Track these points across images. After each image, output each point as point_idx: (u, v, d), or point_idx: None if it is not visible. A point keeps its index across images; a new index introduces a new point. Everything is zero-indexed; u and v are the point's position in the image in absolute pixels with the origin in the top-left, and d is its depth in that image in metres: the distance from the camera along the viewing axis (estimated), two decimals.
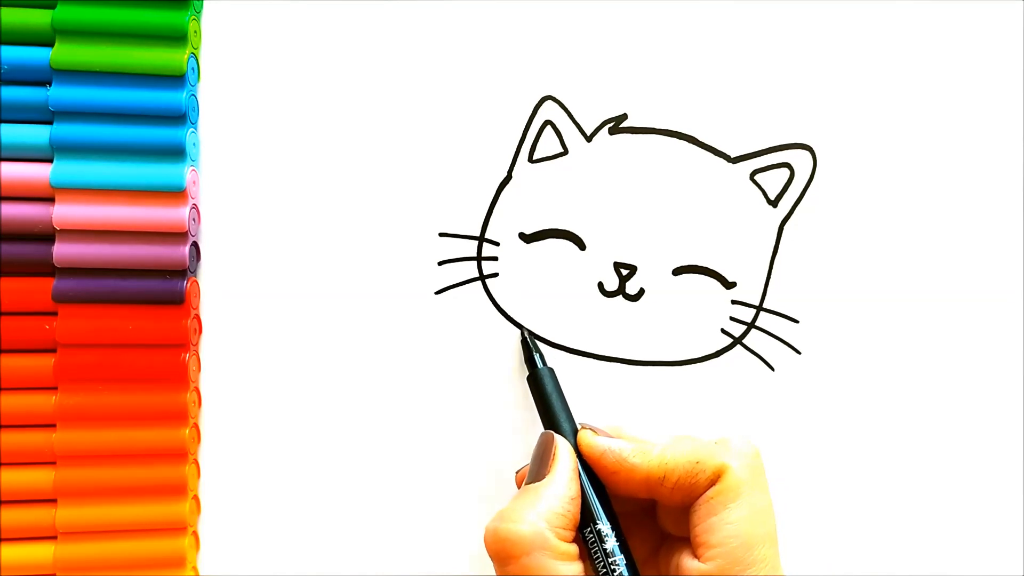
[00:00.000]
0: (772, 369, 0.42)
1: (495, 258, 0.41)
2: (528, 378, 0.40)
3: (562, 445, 0.36)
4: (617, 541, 0.34)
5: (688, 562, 0.34)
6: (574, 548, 0.33)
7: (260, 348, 0.41)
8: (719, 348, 0.42)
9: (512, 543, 0.32)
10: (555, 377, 0.39)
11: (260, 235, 0.41)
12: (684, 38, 0.42)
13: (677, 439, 0.35)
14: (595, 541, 0.34)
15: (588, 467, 0.36)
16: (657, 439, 0.36)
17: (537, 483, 0.35)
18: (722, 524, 0.33)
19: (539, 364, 0.39)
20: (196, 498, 0.41)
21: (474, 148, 0.41)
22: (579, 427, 0.37)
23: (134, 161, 0.38)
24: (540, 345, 0.40)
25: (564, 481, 0.34)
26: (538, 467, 0.35)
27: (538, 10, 0.41)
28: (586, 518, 0.35)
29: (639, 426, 0.42)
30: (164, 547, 0.39)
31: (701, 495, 0.34)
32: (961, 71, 0.42)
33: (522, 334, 0.41)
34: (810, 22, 0.42)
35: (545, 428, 0.38)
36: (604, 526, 0.35)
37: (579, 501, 0.34)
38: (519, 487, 0.37)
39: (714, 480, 0.34)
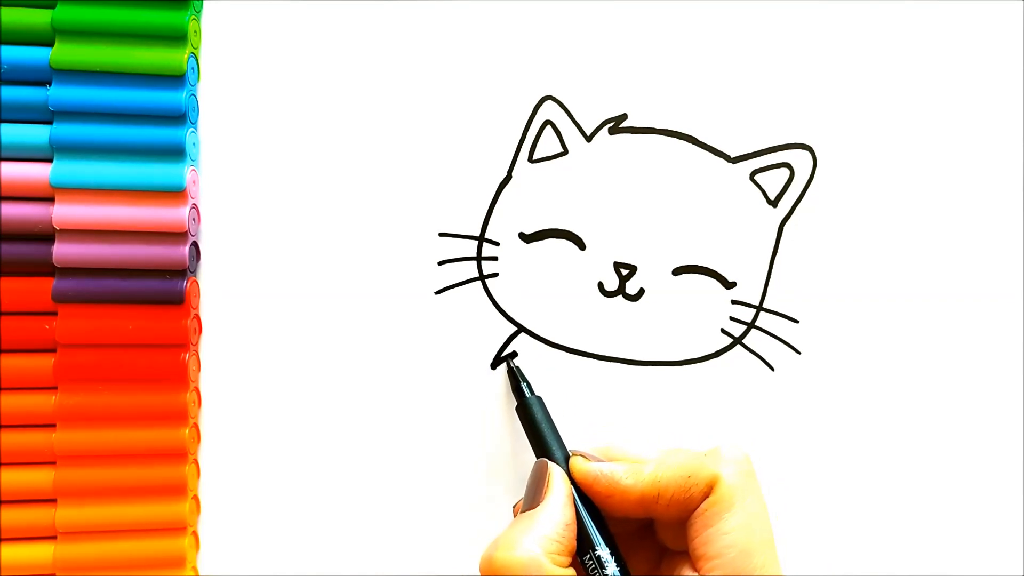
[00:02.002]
0: (772, 369, 0.42)
1: (495, 258, 0.41)
2: (517, 408, 0.40)
3: (556, 472, 0.36)
4: (617, 566, 0.34)
5: (689, 575, 0.34)
6: (570, 573, 0.33)
7: (260, 348, 0.41)
8: (719, 348, 0.42)
9: (507, 570, 0.32)
10: (544, 405, 0.39)
11: (260, 235, 0.41)
12: (684, 38, 0.42)
13: (667, 453, 0.35)
14: (595, 567, 0.34)
15: (583, 493, 0.36)
16: (647, 454, 0.36)
17: (532, 510, 0.35)
18: (719, 535, 0.33)
19: (527, 394, 0.39)
20: (196, 498, 0.41)
21: (474, 148, 0.41)
22: (570, 454, 0.37)
23: (134, 161, 0.38)
24: (527, 374, 0.40)
25: (558, 507, 0.34)
26: (533, 494, 0.35)
27: (538, 10, 0.41)
28: (584, 544, 0.35)
29: (639, 426, 0.42)
30: (164, 547, 0.39)
31: (696, 508, 0.34)
32: (961, 71, 0.42)
33: (508, 365, 0.41)
34: (810, 22, 0.42)
35: (537, 457, 0.37)
36: (603, 551, 0.34)
37: (574, 527, 0.34)
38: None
39: (707, 492, 0.34)
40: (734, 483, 0.34)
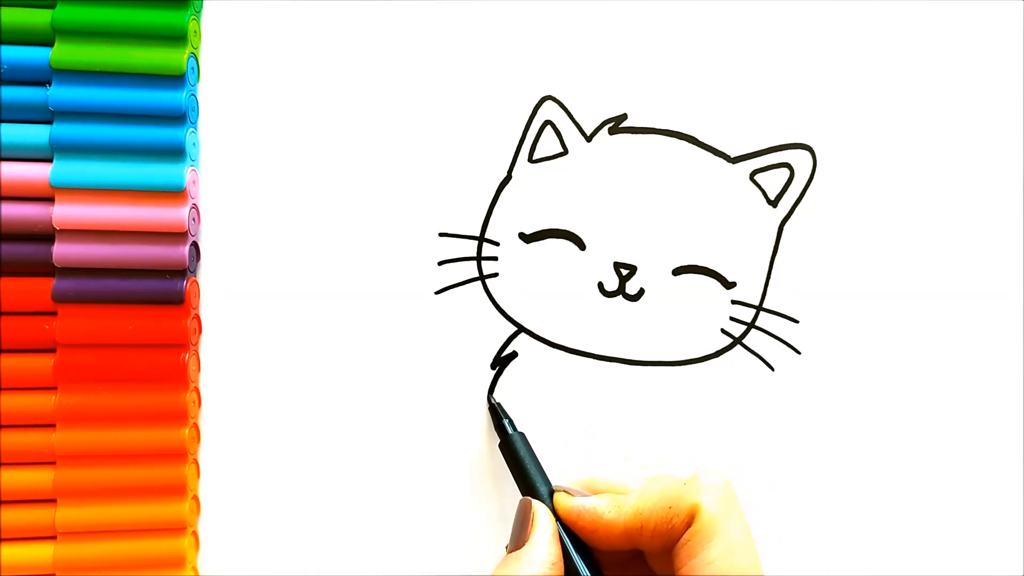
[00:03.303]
0: (772, 369, 0.42)
1: (495, 258, 0.41)
2: (500, 445, 0.40)
3: (540, 510, 0.36)
4: None
5: None
6: None
7: (260, 348, 0.41)
8: (719, 348, 0.42)
9: None
10: (527, 441, 0.39)
11: (260, 235, 0.41)
12: (684, 38, 0.42)
13: (648, 482, 0.35)
14: None
15: (570, 529, 0.36)
16: (630, 484, 0.36)
17: (518, 551, 0.35)
18: (703, 564, 0.33)
19: (509, 430, 0.39)
20: (196, 498, 0.41)
21: (474, 148, 0.41)
22: (554, 489, 0.37)
23: (134, 161, 0.38)
24: (508, 410, 0.40)
25: (544, 545, 0.35)
26: (518, 534, 0.36)
27: (538, 10, 0.41)
28: None
29: (639, 426, 0.42)
30: (164, 547, 0.39)
31: (679, 538, 0.34)
32: (961, 71, 0.42)
33: (489, 402, 0.41)
34: (810, 22, 0.42)
35: (522, 494, 0.38)
36: None
37: (561, 565, 0.35)
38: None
39: (689, 522, 0.34)
40: (715, 511, 0.33)
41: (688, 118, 0.42)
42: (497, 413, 0.40)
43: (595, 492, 0.36)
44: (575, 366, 0.42)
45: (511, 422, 0.40)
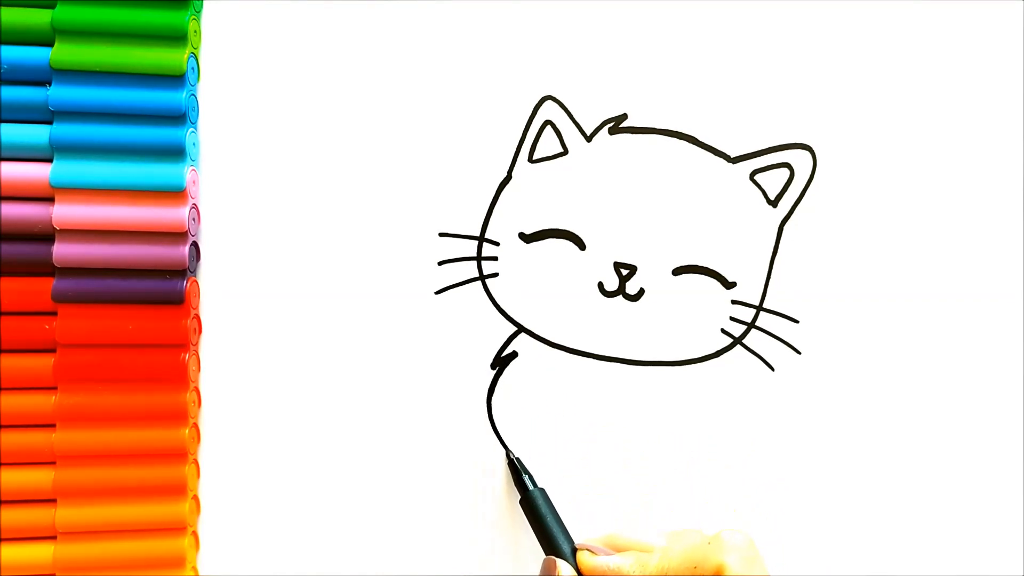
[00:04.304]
0: (772, 369, 0.42)
1: (495, 258, 0.41)
2: (521, 502, 0.39)
3: (564, 570, 0.36)
4: None
5: None
6: None
7: (260, 348, 0.41)
8: (719, 348, 0.42)
9: None
10: (547, 497, 0.39)
11: (260, 235, 0.41)
12: (684, 38, 0.42)
13: (671, 539, 0.36)
14: None
15: None
16: (652, 541, 0.36)
17: None
18: None
19: (530, 486, 0.39)
20: (196, 498, 0.41)
21: (474, 148, 0.41)
22: (576, 547, 0.37)
23: (134, 161, 0.38)
24: (528, 466, 0.40)
25: None
26: None
27: (538, 10, 0.41)
28: None
29: (639, 426, 0.42)
30: (164, 547, 0.39)
31: None
32: (961, 71, 0.42)
33: (508, 457, 0.41)
34: (810, 22, 0.42)
35: (545, 552, 0.38)
36: None
37: None
38: None
39: None
40: (739, 571, 0.34)
41: (688, 118, 0.42)
42: (517, 469, 0.40)
43: (617, 549, 0.36)
44: (575, 366, 0.42)
45: (531, 478, 0.40)
